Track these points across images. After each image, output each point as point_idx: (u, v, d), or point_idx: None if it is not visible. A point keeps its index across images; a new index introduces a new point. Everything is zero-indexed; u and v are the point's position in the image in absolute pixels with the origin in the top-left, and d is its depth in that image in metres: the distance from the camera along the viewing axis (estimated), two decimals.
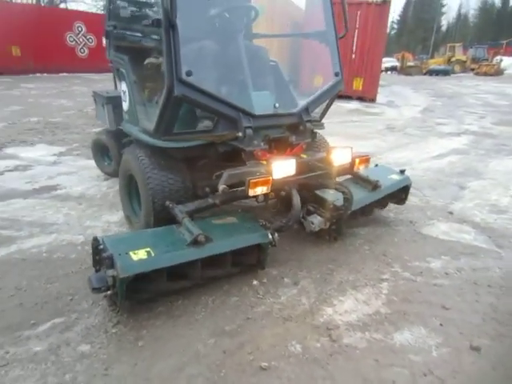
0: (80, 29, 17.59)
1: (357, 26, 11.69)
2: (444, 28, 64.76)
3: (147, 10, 2.95)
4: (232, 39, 2.90)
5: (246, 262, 2.59)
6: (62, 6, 25.74)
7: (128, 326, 2.12)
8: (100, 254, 2.07)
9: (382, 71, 31.82)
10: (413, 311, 2.43)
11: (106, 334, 2.06)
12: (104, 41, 3.58)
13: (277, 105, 2.84)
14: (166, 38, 2.32)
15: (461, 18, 69.30)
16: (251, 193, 2.33)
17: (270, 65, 3.30)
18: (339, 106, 11.05)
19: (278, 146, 2.89)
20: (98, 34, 17.42)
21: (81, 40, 17.72)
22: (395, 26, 66.51)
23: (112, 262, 1.96)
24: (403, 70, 29.98)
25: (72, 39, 17.49)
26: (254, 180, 2.30)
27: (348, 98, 12.34)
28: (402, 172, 3.63)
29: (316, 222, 2.92)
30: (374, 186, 3.23)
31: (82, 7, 25.48)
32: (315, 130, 3.40)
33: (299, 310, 2.37)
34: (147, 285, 2.14)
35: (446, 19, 65.49)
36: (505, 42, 36.64)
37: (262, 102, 2.81)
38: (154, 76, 2.84)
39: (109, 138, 4.03)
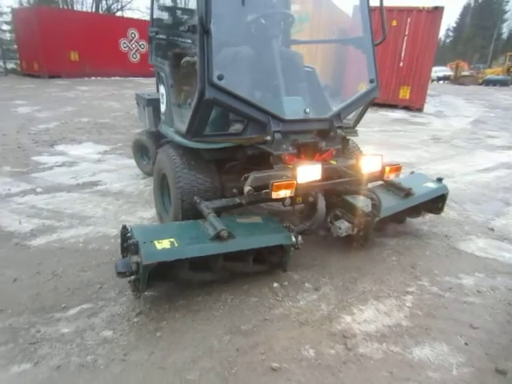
0: (133, 35, 18.50)
1: (406, 33, 11.38)
2: (505, 36, 60.97)
3: (187, 16, 3.08)
4: (266, 45, 2.96)
5: (268, 263, 2.61)
6: (119, 13, 27.16)
7: (149, 317, 2.22)
8: (127, 241, 2.16)
9: (434, 80, 30.75)
10: (436, 327, 2.35)
11: (128, 322, 2.17)
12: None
13: (307, 110, 2.86)
14: (200, 43, 2.41)
15: None
16: (274, 195, 2.36)
17: (305, 70, 3.33)
18: (383, 114, 10.83)
19: (307, 151, 2.90)
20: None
21: (133, 46, 18.62)
22: (451, 33, 63.96)
23: (137, 248, 2.05)
24: (457, 80, 28.76)
25: (125, 45, 18.44)
26: (278, 183, 2.33)
27: (394, 106, 12.05)
28: (440, 180, 3.48)
29: (343, 227, 2.89)
30: (407, 194, 3.14)
31: (136, 15, 26.84)
32: (348, 137, 3.39)
33: (317, 316, 2.36)
34: (169, 274, 2.23)
35: (508, 26, 61.67)
36: None
37: (292, 107, 2.84)
38: (190, 77, 2.95)
39: (148, 139, 4.21)
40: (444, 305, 2.58)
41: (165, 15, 3.23)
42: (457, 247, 3.41)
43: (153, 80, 14.18)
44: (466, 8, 59.99)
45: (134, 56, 18.77)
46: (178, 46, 3.12)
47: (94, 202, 3.70)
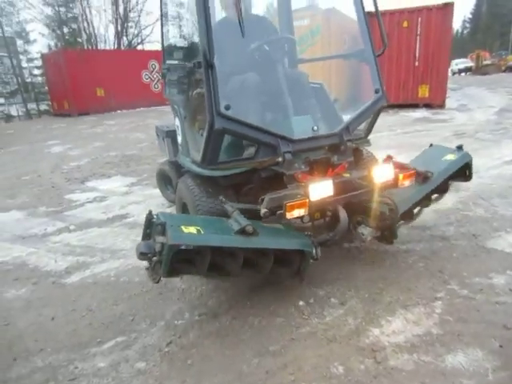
0: (154, 66, 19.24)
1: (418, 33, 11.29)
2: None
3: (193, 53, 3.22)
4: (271, 70, 3.05)
5: (287, 269, 2.61)
6: (139, 47, 28.39)
7: (179, 345, 2.30)
8: (152, 226, 2.20)
9: (455, 73, 29.94)
10: (469, 332, 2.30)
11: (159, 352, 2.26)
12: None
13: (315, 127, 2.90)
14: (206, 77, 2.53)
15: None
16: (288, 216, 2.41)
17: (312, 88, 3.38)
18: (404, 115, 10.66)
19: (320, 167, 2.94)
20: None
21: (154, 76, 19.34)
22: (467, 24, 62.47)
23: (164, 229, 2.05)
24: (479, 70, 27.91)
25: (147, 76, 19.19)
26: (290, 203, 2.38)
27: (414, 106, 11.85)
28: (460, 148, 3.31)
29: (366, 233, 2.90)
30: (424, 178, 3.02)
31: (156, 46, 27.88)
32: (360, 148, 3.40)
33: (344, 331, 2.37)
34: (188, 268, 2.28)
35: None
36: None
37: (301, 127, 2.90)
38: (201, 107, 3.07)
39: (170, 169, 4.37)
40: (475, 307, 2.53)
41: (175, 51, 3.39)
42: (486, 246, 3.32)
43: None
44: None
45: (156, 86, 19.47)
46: (188, 80, 3.26)
47: (123, 235, 3.87)
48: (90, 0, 24.67)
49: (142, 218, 4.36)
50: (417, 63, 11.60)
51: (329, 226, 2.92)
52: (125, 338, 2.39)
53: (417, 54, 11.55)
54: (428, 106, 11.83)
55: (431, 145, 3.60)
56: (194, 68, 2.68)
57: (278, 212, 2.44)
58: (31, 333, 2.49)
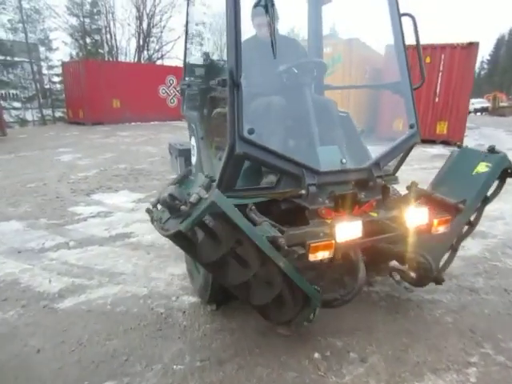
0: (171, 82, 19.37)
1: (441, 69, 11.20)
2: None
3: (218, 70, 3.05)
4: (298, 94, 2.84)
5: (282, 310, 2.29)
6: (159, 62, 28.85)
7: None
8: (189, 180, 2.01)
9: (471, 112, 29.92)
10: None
11: None
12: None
13: (344, 160, 2.67)
14: (230, 97, 2.32)
15: None
16: (312, 258, 2.14)
17: (340, 117, 3.17)
18: (422, 150, 10.43)
19: (345, 203, 2.69)
20: None
21: (171, 92, 19.45)
22: (485, 65, 63.24)
23: (210, 185, 1.82)
24: (495, 111, 27.81)
25: (164, 91, 19.30)
26: (315, 244, 2.11)
27: (431, 142, 11.64)
28: (493, 151, 2.71)
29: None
30: (456, 210, 2.61)
31: (175, 62, 28.44)
32: (388, 185, 3.15)
33: None
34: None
35: None
36: None
37: (328, 158, 2.67)
38: (221, 128, 2.87)
39: None
40: None
41: (196, 69, 3.23)
42: None
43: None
44: (500, 40, 59.45)
45: (172, 101, 19.55)
46: (208, 99, 3.07)
47: (124, 257, 3.61)
48: (115, 13, 25.26)
49: (146, 239, 4.18)
50: (437, 99, 11.45)
51: (340, 280, 2.63)
52: (115, 382, 2.10)
53: (437, 90, 11.42)
54: (445, 142, 11.61)
55: (459, 146, 3.01)
56: (218, 86, 2.47)
57: (300, 252, 2.17)
58: (12, 367, 2.21)
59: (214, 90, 3.05)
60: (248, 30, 3.12)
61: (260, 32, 3.06)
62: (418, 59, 2.93)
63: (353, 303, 2.84)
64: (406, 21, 2.93)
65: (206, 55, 3.45)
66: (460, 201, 2.61)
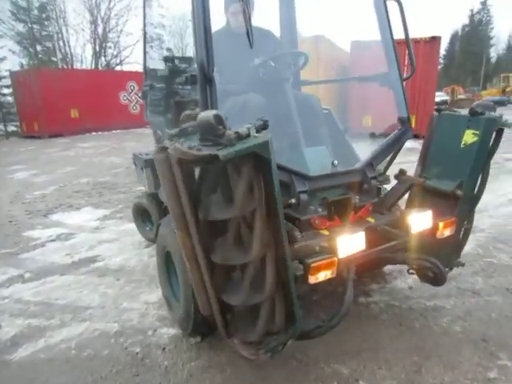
0: (132, 87, 18.64)
1: (405, 64, 11.24)
2: (493, 59, 63.51)
3: (184, 66, 2.69)
4: (278, 91, 2.53)
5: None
6: (118, 67, 27.87)
7: None
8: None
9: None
10: None
11: None
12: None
13: (335, 162, 2.38)
14: (202, 96, 1.99)
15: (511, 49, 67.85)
16: (312, 280, 1.82)
17: (324, 114, 2.88)
18: None
19: (339, 209, 2.39)
20: None
21: (133, 98, 18.71)
22: (442, 60, 65.79)
23: (262, 128, 1.53)
24: (454, 104, 28.75)
25: (125, 98, 18.54)
26: (316, 264, 1.79)
27: None
28: (475, 114, 2.22)
29: None
30: (454, 197, 2.31)
31: (135, 67, 27.57)
32: (380, 186, 2.89)
33: None
34: None
35: (495, 51, 64.35)
36: None
37: (317, 160, 2.37)
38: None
39: (149, 202, 3.75)
40: None
41: (159, 66, 2.85)
42: None
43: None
44: (454, 36, 61.86)
45: (135, 107, 18.82)
46: (174, 102, 2.70)
47: (90, 286, 3.16)
48: (66, 18, 24.15)
49: (115, 262, 3.74)
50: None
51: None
52: None
53: (404, 85, 11.46)
54: (415, 136, 11.68)
55: (439, 111, 2.52)
56: (186, 84, 2.12)
57: (298, 273, 1.84)
58: None
59: (178, 93, 2.69)
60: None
61: (235, 21, 2.71)
62: (407, 48, 2.70)
63: (352, 318, 2.59)
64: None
65: (168, 58, 3.07)
66: (456, 185, 2.30)
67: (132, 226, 4.35)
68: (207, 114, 1.40)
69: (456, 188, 2.30)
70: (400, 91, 2.69)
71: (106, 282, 3.21)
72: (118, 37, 26.97)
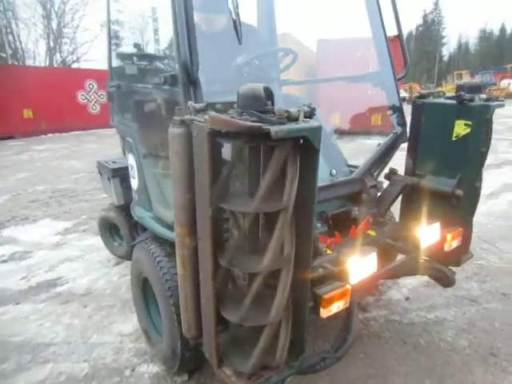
0: (91, 86, 17.70)
1: (371, 62, 11.33)
2: (446, 58, 66.89)
3: (161, 64, 2.35)
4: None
5: None
6: (75, 65, 26.48)
7: None
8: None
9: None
10: None
11: None
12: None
13: (334, 171, 2.15)
14: (185, 98, 1.69)
15: (462, 47, 71.69)
16: (325, 314, 1.56)
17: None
18: (362, 143, 10.42)
19: (339, 224, 2.17)
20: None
21: (92, 97, 17.78)
22: None
23: (311, 115, 1.23)
24: (412, 100, 29.79)
25: (84, 97, 17.57)
26: (328, 295, 1.54)
27: (367, 133, 11.77)
28: (462, 102, 1.98)
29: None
30: (455, 197, 2.07)
31: (93, 65, 26.25)
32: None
33: None
34: None
35: (448, 49, 67.99)
36: (509, 66, 36.71)
37: None
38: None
39: (118, 215, 3.38)
40: None
41: (128, 65, 2.49)
42: None
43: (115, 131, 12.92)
44: (409, 35, 64.40)
45: (94, 107, 17.89)
46: (150, 103, 2.36)
47: (52, 316, 2.75)
48: (15, 11, 22.66)
49: (80, 285, 3.32)
50: (369, 91, 11.56)
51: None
52: None
53: (398, 86, 11.56)
54: (381, 133, 11.81)
55: (422, 97, 2.29)
56: (165, 85, 1.80)
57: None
58: None
59: (153, 94, 2.35)
60: None
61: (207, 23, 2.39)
62: (400, 44, 2.50)
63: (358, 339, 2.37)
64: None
65: (138, 55, 2.71)
66: (455, 184, 2.05)
67: (98, 239, 3.94)
68: (255, 86, 1.18)
69: (455, 187, 2.06)
70: (394, 92, 2.48)
71: (71, 311, 2.81)
72: (74, 32, 25.70)
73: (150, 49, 2.57)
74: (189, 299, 1.55)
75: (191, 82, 1.66)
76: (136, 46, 2.60)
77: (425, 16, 64.63)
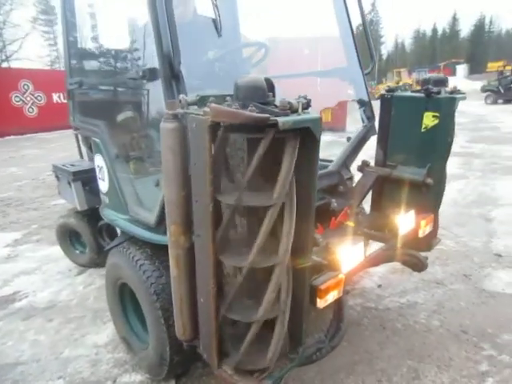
0: (26, 87, 16.49)
1: (318, 62, 11.62)
2: (385, 56, 70.83)
3: (132, 58, 2.23)
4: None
5: None
6: (5, 65, 24.55)
7: None
8: None
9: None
10: None
11: None
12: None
13: None
14: (168, 93, 1.62)
15: (398, 47, 76.27)
16: (321, 304, 1.57)
17: None
18: None
19: (320, 216, 2.19)
20: (48, 91, 16.51)
21: (28, 99, 16.57)
22: None
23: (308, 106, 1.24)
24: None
25: (18, 99, 16.33)
26: (325, 285, 1.55)
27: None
28: (429, 95, 2.07)
29: None
30: (425, 186, 2.18)
31: (26, 64, 24.45)
32: None
33: None
34: None
35: (386, 48, 72.08)
36: (442, 64, 39.56)
37: None
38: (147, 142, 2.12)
39: (79, 221, 3.19)
40: None
41: (92, 59, 2.34)
42: (485, 288, 2.98)
43: (57, 134, 12.36)
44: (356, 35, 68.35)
45: (31, 110, 16.67)
46: (121, 100, 2.24)
47: (15, 334, 2.53)
48: None
49: (41, 298, 3.09)
50: (319, 88, 11.87)
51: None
52: None
53: (318, 81, 11.83)
54: (331, 129, 12.16)
55: (391, 91, 2.33)
56: (143, 79, 1.72)
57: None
58: None
59: (124, 90, 2.24)
60: None
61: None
62: (366, 38, 2.58)
63: None
64: None
65: (104, 50, 2.56)
66: (425, 174, 2.17)
67: (55, 249, 3.71)
68: (256, 77, 1.18)
69: (425, 176, 2.18)
70: (362, 86, 2.55)
71: (35, 326, 2.60)
72: (2, 29, 23.85)
73: (116, 43, 2.40)
74: (184, 301, 1.49)
75: (174, 75, 1.60)
76: (98, 40, 2.45)
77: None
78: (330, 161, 2.46)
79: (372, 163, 2.45)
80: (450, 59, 43.02)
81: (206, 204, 1.22)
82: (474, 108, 16.43)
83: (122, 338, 2.25)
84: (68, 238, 3.43)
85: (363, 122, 2.55)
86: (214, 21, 1.74)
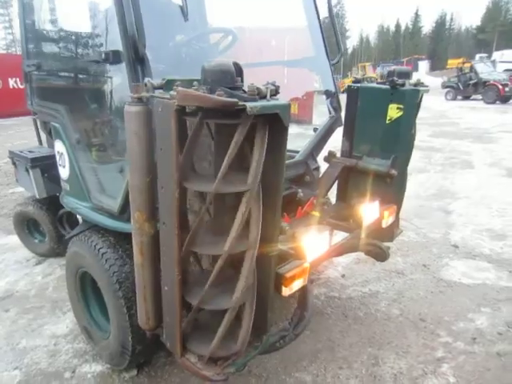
0: None
1: (285, 53, 11.64)
2: (350, 50, 71.77)
3: (93, 40, 2.13)
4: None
5: None
6: None
7: None
8: None
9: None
10: None
11: None
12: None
13: None
14: (133, 77, 1.57)
15: (363, 41, 77.52)
16: (287, 292, 1.59)
17: None
18: None
19: (287, 205, 2.20)
20: (4, 76, 15.63)
21: None
22: None
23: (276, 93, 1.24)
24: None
25: None
26: (290, 273, 1.56)
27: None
28: (394, 86, 2.11)
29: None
30: (389, 176, 2.22)
31: None
32: None
33: None
34: None
35: (351, 42, 73.09)
36: (405, 59, 40.66)
37: None
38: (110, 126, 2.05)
39: (38, 209, 3.07)
40: (485, 367, 2.16)
41: (52, 42, 2.22)
42: (443, 278, 3.10)
43: (16, 120, 11.81)
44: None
45: None
46: (82, 83, 2.15)
47: None
48: None
49: (5, 285, 2.95)
50: (285, 81, 11.92)
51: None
52: None
53: (285, 73, 11.86)
54: (298, 122, 12.27)
55: (357, 82, 2.37)
56: (106, 62, 1.65)
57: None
58: None
59: (85, 73, 2.15)
60: None
61: None
62: (334, 30, 2.60)
63: None
64: None
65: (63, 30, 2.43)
66: (390, 164, 2.20)
67: (12, 239, 3.56)
68: (224, 61, 1.16)
69: (390, 167, 2.22)
70: (329, 77, 2.58)
71: (12, 317, 2.49)
72: None
73: (77, 25, 2.27)
74: (147, 288, 1.47)
75: (138, 58, 1.54)
76: (57, 22, 2.33)
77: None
78: (297, 151, 2.47)
79: (338, 154, 2.49)
80: (412, 55, 44.30)
81: (172, 191, 1.20)
82: (434, 103, 16.99)
83: (83, 327, 2.19)
84: (26, 226, 3.29)
85: (330, 112, 2.58)
86: (181, 6, 1.68)
